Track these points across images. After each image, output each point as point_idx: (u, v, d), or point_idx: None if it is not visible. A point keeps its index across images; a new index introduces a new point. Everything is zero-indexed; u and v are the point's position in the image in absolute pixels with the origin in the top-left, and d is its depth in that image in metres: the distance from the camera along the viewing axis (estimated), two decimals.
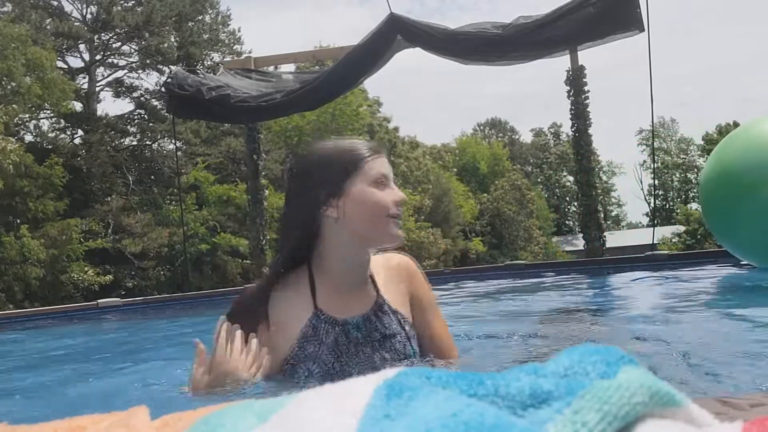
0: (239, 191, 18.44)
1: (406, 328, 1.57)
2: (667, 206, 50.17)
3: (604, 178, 49.48)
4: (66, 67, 21.12)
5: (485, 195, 33.40)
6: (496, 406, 0.42)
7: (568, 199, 48.74)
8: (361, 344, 1.51)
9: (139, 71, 22.46)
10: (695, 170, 50.59)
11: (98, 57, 21.95)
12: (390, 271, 1.63)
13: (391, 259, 1.66)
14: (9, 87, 15.88)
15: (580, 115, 8.04)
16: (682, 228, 24.16)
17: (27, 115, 18.07)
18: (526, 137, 53.31)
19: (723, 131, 40.30)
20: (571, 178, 43.62)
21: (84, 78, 21.85)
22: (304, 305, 1.52)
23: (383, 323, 1.54)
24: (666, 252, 9.03)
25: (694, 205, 43.66)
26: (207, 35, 23.61)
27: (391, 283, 1.61)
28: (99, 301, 7.04)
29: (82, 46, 21.76)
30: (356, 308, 1.54)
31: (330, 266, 1.53)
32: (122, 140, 21.82)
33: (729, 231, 4.94)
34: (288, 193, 1.59)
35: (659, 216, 45.70)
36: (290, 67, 11.44)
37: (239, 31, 24.68)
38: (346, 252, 1.52)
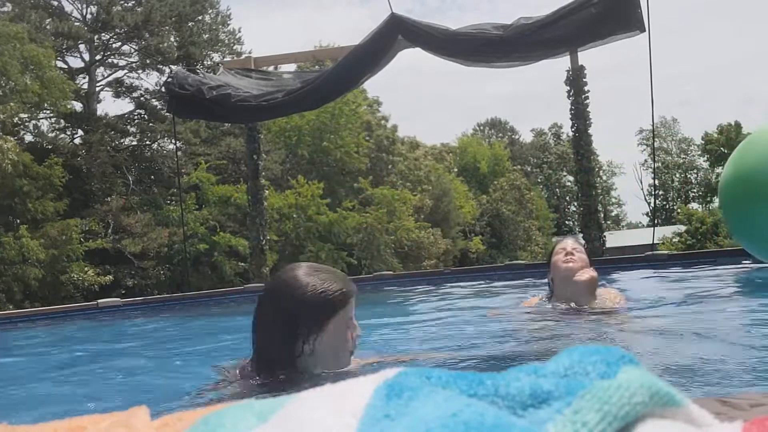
0: (240, 191, 18.45)
1: None
2: (667, 206, 50.18)
3: (604, 178, 49.53)
4: (66, 67, 21.09)
5: (484, 196, 33.39)
6: (496, 406, 0.42)
7: (568, 199, 48.74)
8: None
9: (139, 71, 22.46)
10: (695, 170, 50.61)
11: (98, 57, 21.94)
12: None
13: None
14: (8, 86, 15.85)
15: (580, 115, 8.03)
16: (682, 228, 24.12)
17: (26, 115, 18.05)
18: (527, 137, 53.37)
19: (723, 131, 40.31)
20: (571, 178, 43.60)
21: (84, 78, 21.83)
22: None
23: None
24: (666, 252, 9.03)
25: (694, 205, 43.72)
26: (207, 35, 23.59)
27: None
28: (99, 301, 7.03)
29: (82, 46, 21.75)
30: None
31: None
32: (122, 140, 21.79)
33: (747, 232, 4.93)
34: (265, 323, 1.64)
35: (659, 216, 45.70)
36: (290, 67, 11.43)
37: (239, 31, 24.70)
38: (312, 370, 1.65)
